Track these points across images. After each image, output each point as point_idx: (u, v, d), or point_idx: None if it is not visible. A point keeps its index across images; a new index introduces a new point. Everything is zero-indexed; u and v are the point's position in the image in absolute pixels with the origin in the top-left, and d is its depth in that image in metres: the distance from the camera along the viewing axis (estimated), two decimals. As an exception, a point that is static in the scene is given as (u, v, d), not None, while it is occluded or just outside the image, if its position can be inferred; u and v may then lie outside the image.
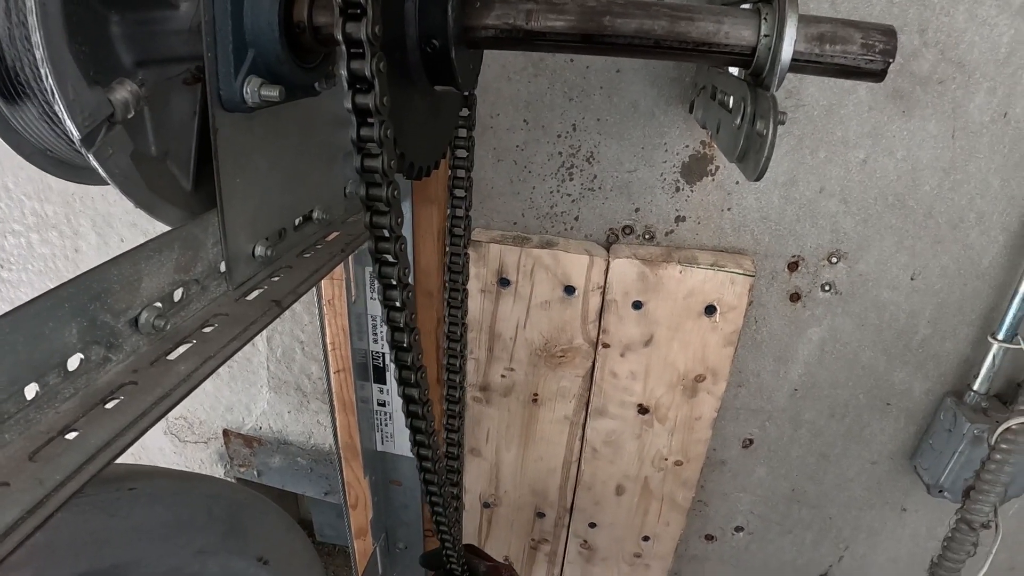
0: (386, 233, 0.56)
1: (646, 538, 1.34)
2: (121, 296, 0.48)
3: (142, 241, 0.47)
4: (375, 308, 1.16)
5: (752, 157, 0.65)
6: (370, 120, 0.50)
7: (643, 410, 1.17)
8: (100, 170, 0.49)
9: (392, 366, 1.18)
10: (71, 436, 0.41)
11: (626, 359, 1.12)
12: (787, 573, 1.50)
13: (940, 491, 1.18)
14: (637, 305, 1.07)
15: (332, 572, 1.83)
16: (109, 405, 0.45)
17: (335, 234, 0.81)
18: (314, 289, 1.16)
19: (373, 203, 0.55)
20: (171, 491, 0.77)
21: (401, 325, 0.62)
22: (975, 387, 1.12)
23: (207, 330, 0.55)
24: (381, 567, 1.38)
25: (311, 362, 1.42)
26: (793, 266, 1.11)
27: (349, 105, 0.48)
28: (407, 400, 0.71)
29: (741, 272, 1.04)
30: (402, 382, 0.69)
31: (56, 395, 0.43)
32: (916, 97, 0.94)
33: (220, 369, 1.52)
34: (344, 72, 0.47)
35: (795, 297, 1.14)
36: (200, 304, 0.59)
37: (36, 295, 0.41)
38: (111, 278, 0.47)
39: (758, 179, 0.63)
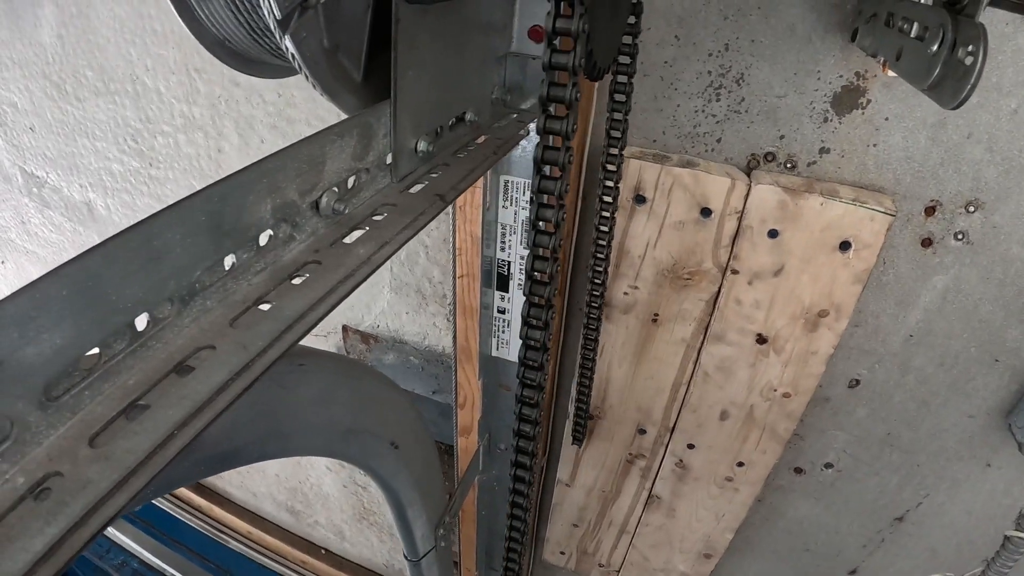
0: (556, 142, 0.57)
1: (740, 464, 1.38)
2: (308, 177, 0.51)
3: (282, 144, 0.48)
4: (506, 216, 1.20)
5: (950, 85, 0.65)
6: (570, 11, 0.51)
7: (761, 340, 1.19)
8: (294, 52, 0.51)
9: (521, 280, 1.23)
10: (265, 307, 0.43)
11: (753, 287, 1.13)
12: (866, 512, 1.53)
13: (1032, 449, 1.19)
14: (773, 234, 1.08)
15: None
16: (296, 281, 0.47)
17: (484, 137, 0.84)
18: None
19: (553, 103, 0.55)
20: (334, 372, 0.83)
21: (547, 255, 0.63)
22: (1089, 351, 1.10)
23: (377, 218, 0.58)
24: (482, 463, 1.47)
25: (433, 266, 1.48)
26: (930, 211, 1.10)
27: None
28: (527, 345, 0.71)
29: (882, 210, 1.03)
30: (527, 322, 0.69)
31: (248, 268, 0.45)
32: (1071, 51, 0.91)
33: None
34: None
35: (927, 242, 1.13)
36: (368, 193, 0.62)
37: (234, 171, 0.42)
38: (302, 157, 0.49)
39: (957, 107, 0.63)
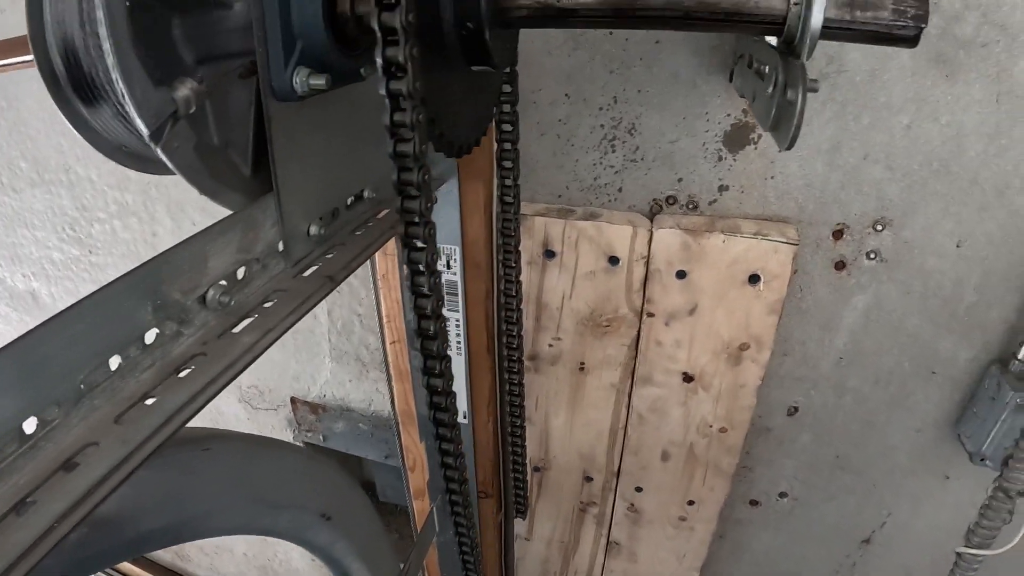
0: (416, 219, 0.59)
1: (691, 502, 1.38)
2: (190, 275, 0.53)
3: (211, 223, 0.52)
4: (427, 281, 1.21)
5: (783, 126, 0.67)
6: (403, 105, 0.53)
7: (688, 378, 1.20)
8: (167, 162, 0.54)
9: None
10: (150, 402, 0.46)
11: (671, 328, 1.14)
12: (830, 538, 1.51)
13: (982, 459, 1.17)
14: (681, 274, 1.09)
15: (395, 530, 1.92)
16: (182, 374, 0.49)
17: (385, 212, 0.86)
18: (369, 265, 1.22)
19: (405, 188, 0.58)
20: (243, 452, 0.84)
21: (429, 312, 0.65)
22: (1020, 355, 1.10)
23: (267, 305, 0.60)
24: (438, 525, 1.45)
25: (369, 334, 1.49)
26: (838, 234, 1.11)
27: (383, 91, 0.52)
28: (430, 390, 0.73)
29: (784, 241, 1.05)
30: (427, 372, 0.71)
31: (136, 366, 0.48)
32: (959, 61, 0.93)
33: (287, 340, 1.61)
34: (379, 59, 0.50)
35: (840, 265, 1.14)
36: (261, 281, 0.63)
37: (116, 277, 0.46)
38: (180, 260, 0.52)
39: (789, 148, 0.65)
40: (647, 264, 1.10)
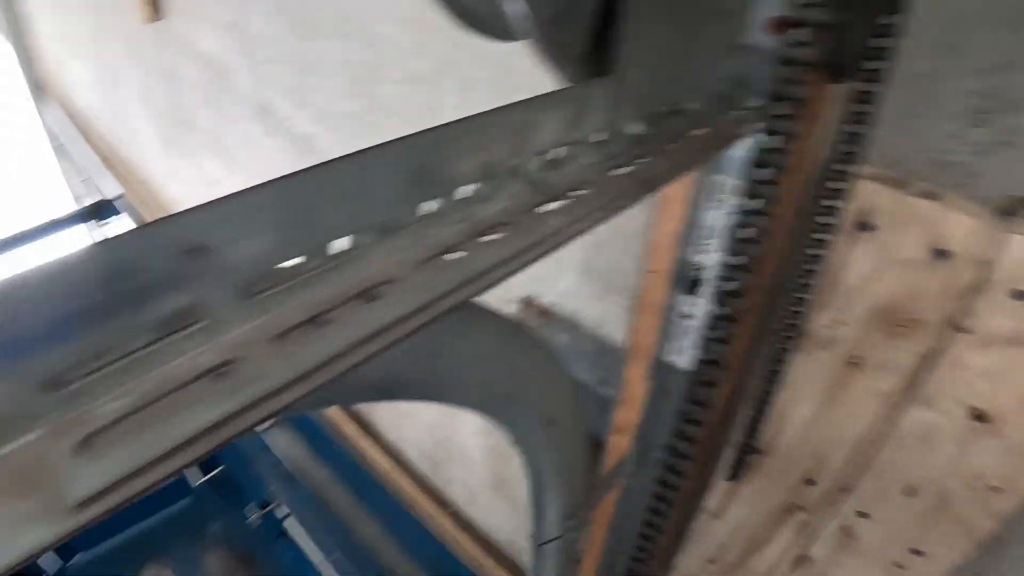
0: (779, 144, 0.51)
1: (917, 551, 1.20)
2: (516, 141, 0.51)
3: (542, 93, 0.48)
4: (710, 218, 1.13)
5: None
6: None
7: (980, 416, 1.01)
8: (526, 15, 0.51)
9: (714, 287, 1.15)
10: (452, 256, 0.45)
11: (984, 353, 0.96)
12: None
13: None
14: (1022, 295, 0.90)
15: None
16: (485, 239, 0.47)
17: (701, 131, 0.79)
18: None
19: (783, 101, 0.50)
20: (507, 333, 0.83)
21: (741, 266, 0.56)
22: None
23: (577, 193, 0.56)
24: (632, 468, 1.41)
25: (624, 256, 1.43)
26: None
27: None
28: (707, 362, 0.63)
29: None
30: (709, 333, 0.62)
31: (445, 217, 0.47)
32: None
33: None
34: None
35: None
36: (572, 167, 0.59)
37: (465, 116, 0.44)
38: (514, 121, 0.49)
39: None
40: (982, 271, 0.92)
